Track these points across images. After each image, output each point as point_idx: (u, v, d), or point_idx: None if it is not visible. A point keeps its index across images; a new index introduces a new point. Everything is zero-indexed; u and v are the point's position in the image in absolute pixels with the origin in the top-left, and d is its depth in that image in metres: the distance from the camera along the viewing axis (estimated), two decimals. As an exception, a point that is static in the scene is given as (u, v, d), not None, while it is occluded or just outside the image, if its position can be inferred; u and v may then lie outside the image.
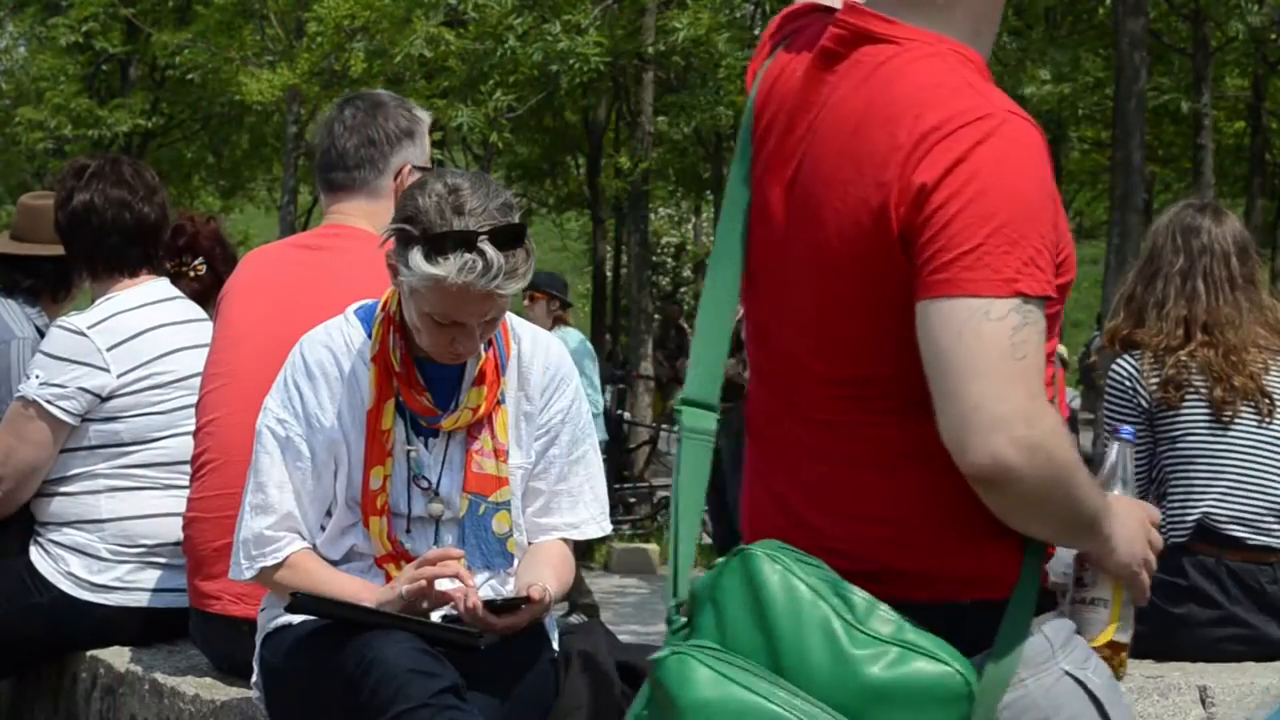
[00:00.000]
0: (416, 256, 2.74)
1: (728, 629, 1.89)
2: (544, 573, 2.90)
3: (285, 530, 2.93)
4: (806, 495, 2.07)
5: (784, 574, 1.90)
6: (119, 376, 3.70)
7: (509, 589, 2.96)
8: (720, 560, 1.94)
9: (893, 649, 1.86)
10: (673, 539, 1.99)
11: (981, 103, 1.95)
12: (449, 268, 2.72)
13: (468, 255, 2.71)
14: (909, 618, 1.89)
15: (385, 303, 2.96)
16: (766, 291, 2.11)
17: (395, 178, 3.47)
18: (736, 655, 1.87)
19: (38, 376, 3.70)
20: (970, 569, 1.99)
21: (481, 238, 2.72)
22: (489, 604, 2.76)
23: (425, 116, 3.58)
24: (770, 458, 2.14)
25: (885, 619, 1.88)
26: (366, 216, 3.47)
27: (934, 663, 1.86)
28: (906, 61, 1.99)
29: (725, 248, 2.11)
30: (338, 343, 2.96)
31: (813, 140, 2.04)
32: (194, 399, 3.57)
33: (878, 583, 1.94)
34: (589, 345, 10.32)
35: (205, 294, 4.16)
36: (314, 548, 2.96)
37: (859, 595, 1.90)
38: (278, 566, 2.92)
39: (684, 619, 1.94)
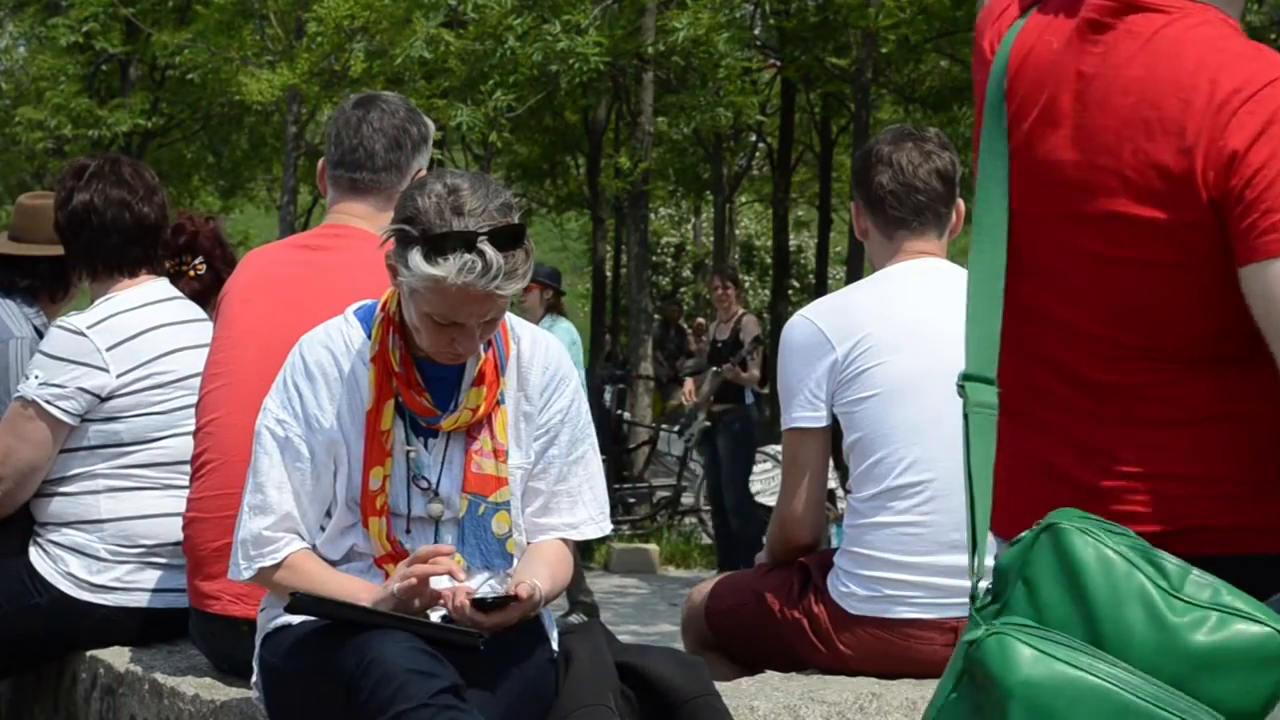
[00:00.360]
0: (416, 257, 2.74)
1: (1042, 605, 1.89)
2: (539, 571, 2.90)
3: (284, 531, 2.93)
4: (1089, 460, 2.09)
5: (1096, 545, 1.89)
6: (118, 377, 3.70)
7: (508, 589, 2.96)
8: (1025, 535, 1.94)
9: (1212, 614, 1.86)
10: (970, 515, 2.00)
11: (1270, 65, 2.00)
12: (449, 268, 2.72)
13: (467, 256, 2.72)
14: (1211, 573, 1.90)
15: (385, 303, 2.96)
16: (1032, 263, 2.12)
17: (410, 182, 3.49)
18: (1054, 630, 1.87)
19: (37, 376, 3.70)
20: (1270, 520, 2.02)
21: (481, 238, 2.72)
22: (477, 603, 2.76)
23: (433, 126, 3.62)
24: (1033, 429, 2.14)
25: (1200, 583, 1.88)
26: (370, 218, 3.47)
27: (1254, 624, 1.86)
28: (1184, 29, 2.04)
29: (989, 222, 2.12)
30: (337, 343, 2.96)
31: (1084, 111, 2.07)
32: (194, 399, 3.57)
33: (1176, 539, 1.95)
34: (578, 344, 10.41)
35: (205, 294, 4.16)
36: (313, 548, 2.96)
37: (1171, 561, 1.89)
38: (276, 567, 2.93)
39: (990, 596, 1.94)
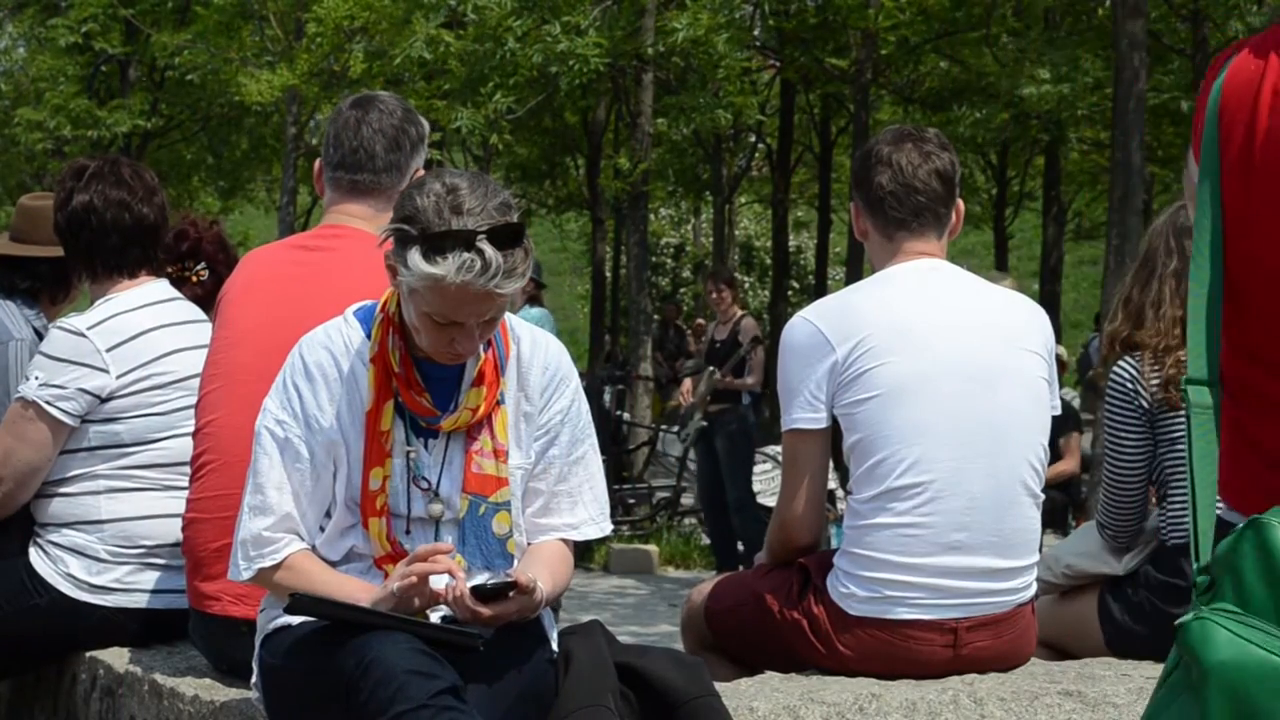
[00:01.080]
0: (415, 256, 2.74)
1: (1246, 594, 2.01)
2: (539, 572, 2.90)
3: (284, 531, 2.93)
4: None
5: None
6: (118, 377, 3.70)
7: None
8: (1234, 531, 2.06)
9: None
10: (1192, 510, 2.13)
11: None
12: (447, 267, 2.72)
13: (466, 255, 2.72)
14: None
15: (384, 303, 2.96)
16: (1238, 268, 2.26)
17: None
18: (1254, 617, 1.99)
19: (37, 378, 3.71)
20: None
21: (480, 237, 2.72)
22: (476, 590, 2.76)
23: (428, 125, 3.63)
24: (1254, 416, 2.31)
25: None
26: (370, 219, 3.48)
27: None
28: None
29: (1204, 239, 2.25)
30: (337, 344, 2.96)
31: (1276, 124, 2.21)
32: (194, 400, 3.57)
33: None
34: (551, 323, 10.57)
35: (208, 298, 4.15)
36: (313, 549, 2.96)
37: None
38: (276, 567, 2.93)
39: (1207, 583, 2.07)
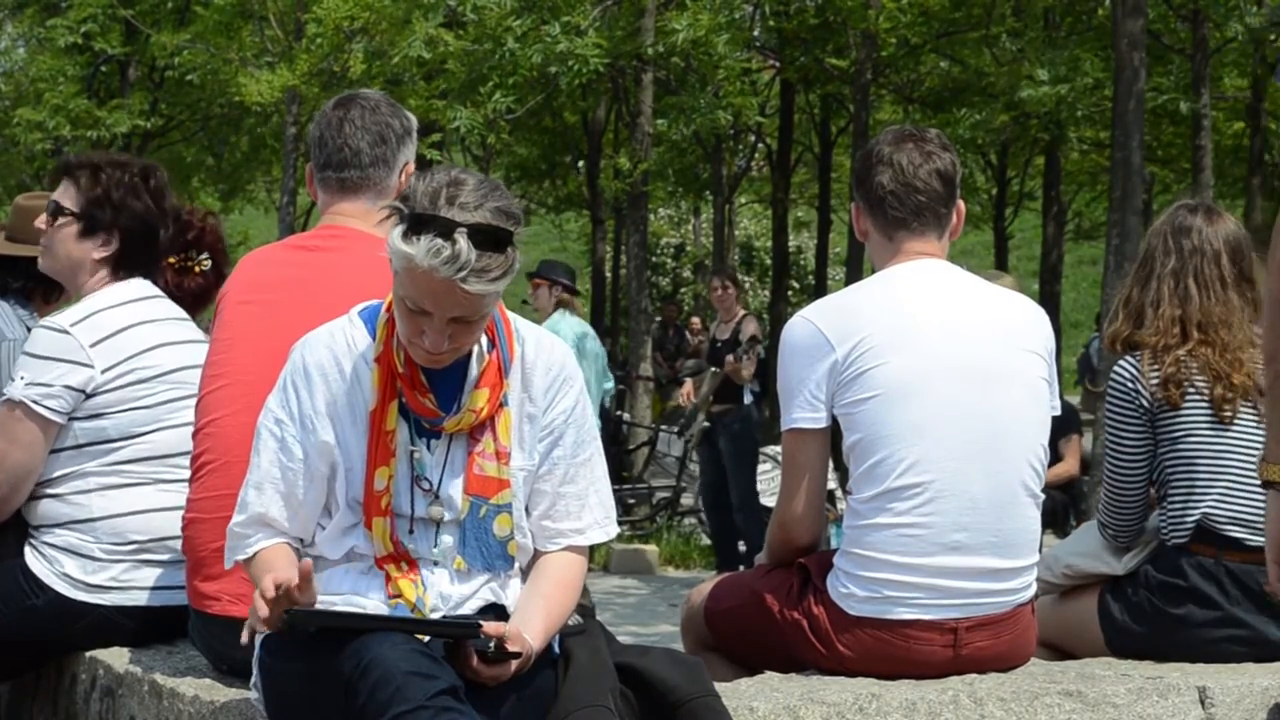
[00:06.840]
0: (396, 234, 2.77)
1: None
2: (534, 625, 2.86)
3: (257, 527, 2.96)
4: None
5: None
6: (103, 372, 3.70)
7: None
8: None
9: None
10: None
11: None
12: (418, 249, 2.73)
13: (439, 241, 2.72)
14: None
15: (389, 304, 2.96)
16: None
17: (400, 176, 3.52)
18: None
19: (23, 378, 3.70)
20: None
21: (460, 229, 2.72)
22: (481, 654, 2.76)
23: (414, 119, 3.63)
24: None
25: None
26: (364, 216, 3.48)
27: None
28: None
29: None
30: (340, 343, 2.96)
31: None
32: (177, 393, 3.62)
33: None
34: (596, 344, 10.47)
35: (209, 290, 4.16)
36: (303, 544, 2.98)
37: None
38: (248, 561, 2.98)
39: None
